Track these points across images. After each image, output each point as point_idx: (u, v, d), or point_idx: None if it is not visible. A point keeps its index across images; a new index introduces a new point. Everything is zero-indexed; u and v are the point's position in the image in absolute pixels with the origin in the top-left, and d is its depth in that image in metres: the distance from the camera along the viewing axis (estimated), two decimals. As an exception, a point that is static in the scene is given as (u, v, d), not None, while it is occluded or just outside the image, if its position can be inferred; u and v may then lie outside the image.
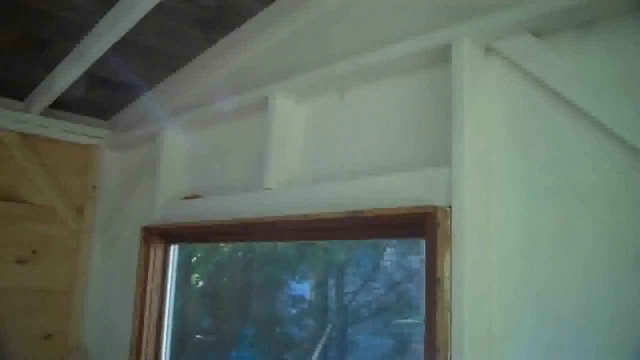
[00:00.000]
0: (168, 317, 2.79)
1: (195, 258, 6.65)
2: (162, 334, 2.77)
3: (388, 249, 7.14)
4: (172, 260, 2.84)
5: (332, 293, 7.04)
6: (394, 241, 6.89)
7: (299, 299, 7.05)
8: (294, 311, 7.06)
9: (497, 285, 1.63)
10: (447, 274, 1.63)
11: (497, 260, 1.64)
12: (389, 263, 7.00)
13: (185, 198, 2.74)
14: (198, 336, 6.60)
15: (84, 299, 3.23)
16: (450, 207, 1.67)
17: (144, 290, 2.73)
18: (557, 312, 1.52)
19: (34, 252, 3.12)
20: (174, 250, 2.85)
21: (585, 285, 1.47)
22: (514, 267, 1.61)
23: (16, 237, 3.07)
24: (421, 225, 1.71)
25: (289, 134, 2.31)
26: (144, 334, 2.69)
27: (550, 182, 1.58)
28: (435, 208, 1.67)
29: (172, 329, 2.83)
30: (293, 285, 7.07)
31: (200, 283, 6.88)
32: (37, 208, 3.16)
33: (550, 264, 1.55)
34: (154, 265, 2.75)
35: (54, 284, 3.18)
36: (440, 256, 1.64)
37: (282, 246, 6.99)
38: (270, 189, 2.24)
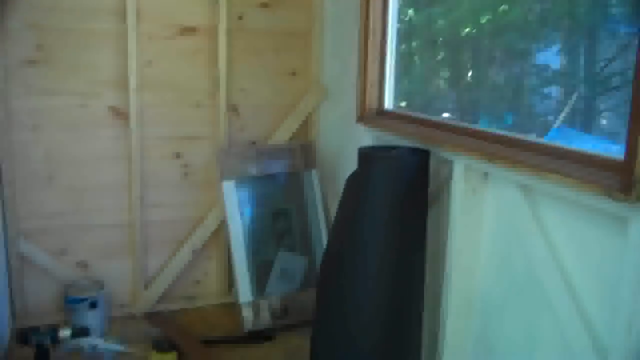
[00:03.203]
0: (390, 50, 2.95)
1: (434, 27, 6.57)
2: (385, 66, 2.95)
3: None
4: None
5: (580, 61, 6.48)
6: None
7: (543, 67, 6.65)
8: (536, 80, 6.73)
9: None
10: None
11: None
12: (652, 26, 6.05)
13: None
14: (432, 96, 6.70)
15: (321, 41, 3.54)
16: None
17: (367, 25, 2.89)
18: None
19: (275, -4, 3.45)
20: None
21: None
22: None
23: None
24: None
25: None
26: (369, 63, 2.91)
27: None
28: None
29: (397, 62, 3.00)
30: (537, 53, 6.64)
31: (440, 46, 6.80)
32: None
33: None
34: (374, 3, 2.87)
35: (294, 27, 3.51)
36: None
37: (525, 10, 6.47)
38: None
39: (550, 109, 6.62)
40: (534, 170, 1.82)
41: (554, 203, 1.85)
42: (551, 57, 6.58)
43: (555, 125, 6.07)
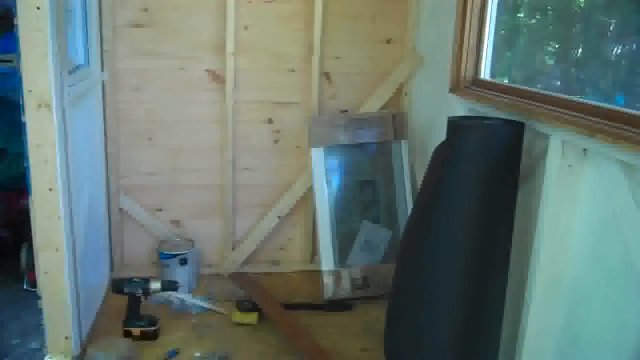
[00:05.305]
0: (490, 16, 2.78)
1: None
2: (483, 33, 2.78)
3: None
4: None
5: None
6: None
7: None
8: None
9: None
10: None
11: None
12: None
13: None
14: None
15: (419, 7, 3.41)
16: None
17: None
18: None
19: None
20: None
21: None
22: None
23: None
24: None
25: None
26: (466, 29, 2.76)
27: None
28: None
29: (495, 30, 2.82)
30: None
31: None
32: None
33: None
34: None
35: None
36: None
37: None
38: None
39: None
40: (638, 147, 1.64)
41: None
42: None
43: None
